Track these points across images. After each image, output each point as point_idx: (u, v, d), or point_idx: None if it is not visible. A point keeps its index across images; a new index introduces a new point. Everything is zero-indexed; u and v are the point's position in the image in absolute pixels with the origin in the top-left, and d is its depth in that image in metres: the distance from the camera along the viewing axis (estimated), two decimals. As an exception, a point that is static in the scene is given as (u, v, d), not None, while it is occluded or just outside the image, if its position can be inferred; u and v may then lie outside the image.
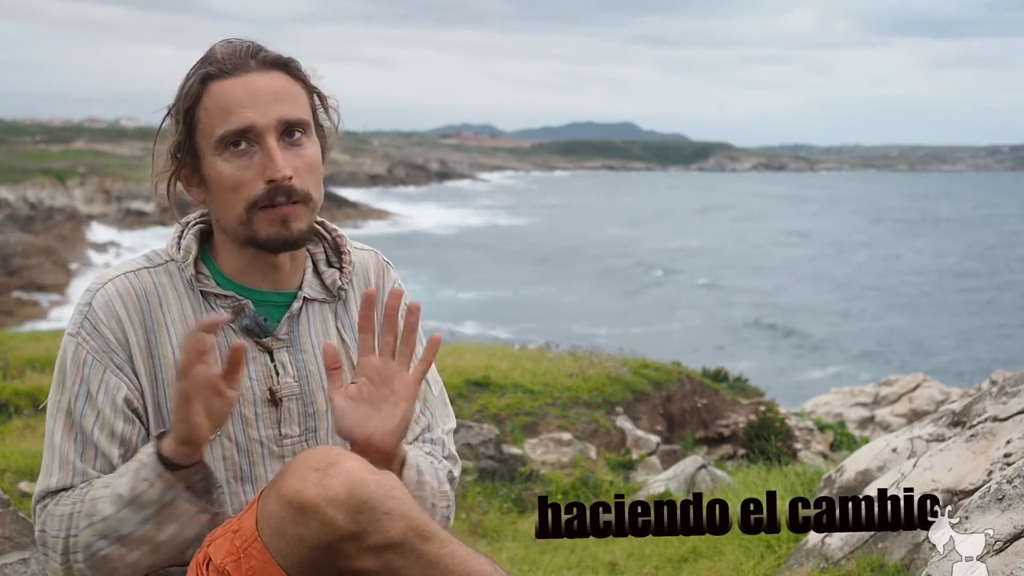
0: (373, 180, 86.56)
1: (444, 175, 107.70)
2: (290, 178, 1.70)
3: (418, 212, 64.80)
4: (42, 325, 23.07)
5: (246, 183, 1.70)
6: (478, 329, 26.77)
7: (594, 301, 33.90)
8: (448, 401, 2.03)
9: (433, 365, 1.95)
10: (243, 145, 1.70)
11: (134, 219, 45.94)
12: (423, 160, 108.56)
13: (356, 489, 1.52)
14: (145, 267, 1.78)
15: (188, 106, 1.73)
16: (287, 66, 1.76)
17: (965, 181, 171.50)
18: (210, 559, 1.59)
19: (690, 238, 56.45)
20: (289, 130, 1.73)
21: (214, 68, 1.72)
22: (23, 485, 4.65)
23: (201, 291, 1.77)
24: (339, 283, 1.86)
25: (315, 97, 1.80)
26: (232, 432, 1.74)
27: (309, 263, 1.86)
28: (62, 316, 26.27)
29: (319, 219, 1.88)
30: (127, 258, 1.84)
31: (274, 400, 1.77)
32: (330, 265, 1.89)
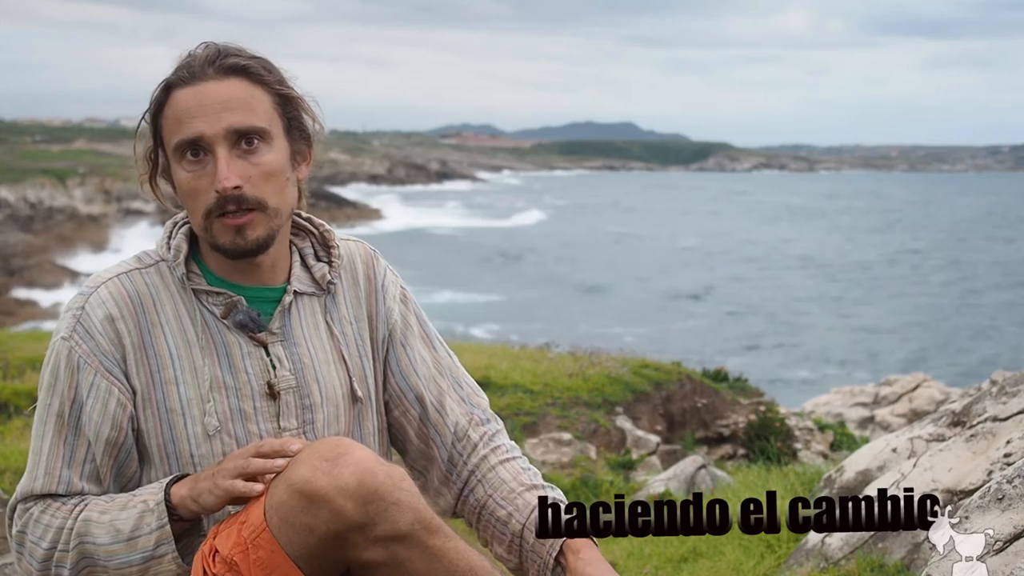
0: (373, 180, 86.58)
1: (444, 175, 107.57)
2: (238, 187, 1.69)
3: (418, 212, 64.73)
4: (42, 325, 23.06)
5: (200, 192, 1.71)
6: (478, 331, 26.74)
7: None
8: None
9: (441, 342, 2.02)
10: (199, 155, 1.70)
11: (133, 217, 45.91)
12: (423, 160, 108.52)
13: (366, 479, 1.53)
14: (136, 268, 1.78)
15: (154, 112, 1.75)
16: (246, 71, 1.73)
17: (969, 180, 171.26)
18: (216, 551, 1.59)
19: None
20: (245, 138, 1.71)
21: (175, 76, 1.73)
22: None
23: (193, 289, 1.77)
24: (328, 277, 1.86)
25: (283, 101, 1.77)
26: (232, 428, 1.74)
27: (296, 257, 1.86)
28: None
29: (304, 215, 1.89)
30: (116, 261, 1.84)
31: (272, 394, 1.77)
32: (318, 259, 1.89)
